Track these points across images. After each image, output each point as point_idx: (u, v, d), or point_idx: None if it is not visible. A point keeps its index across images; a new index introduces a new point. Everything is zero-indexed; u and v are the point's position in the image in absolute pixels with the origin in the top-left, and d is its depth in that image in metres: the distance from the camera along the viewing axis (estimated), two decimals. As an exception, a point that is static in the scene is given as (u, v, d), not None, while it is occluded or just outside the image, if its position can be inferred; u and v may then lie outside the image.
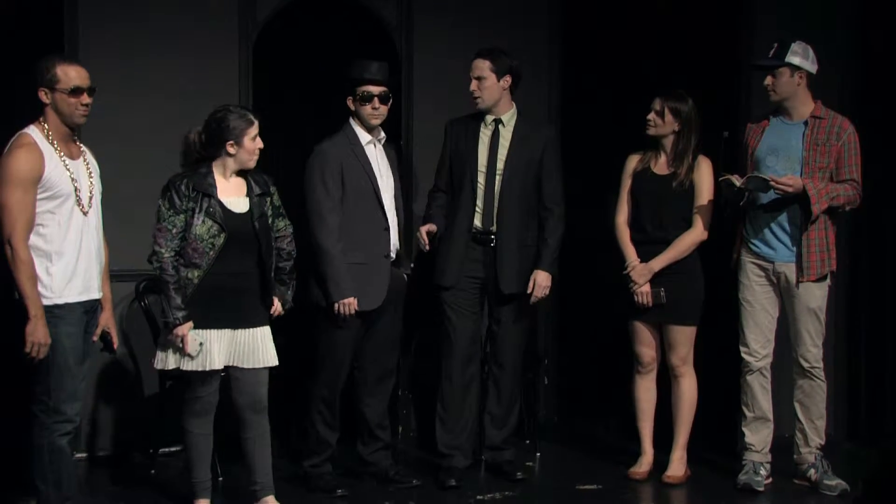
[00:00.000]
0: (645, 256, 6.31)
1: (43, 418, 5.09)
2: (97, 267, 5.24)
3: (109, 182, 5.43)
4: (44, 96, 5.07)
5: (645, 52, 7.52)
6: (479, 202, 6.28)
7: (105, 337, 5.38)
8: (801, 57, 6.08)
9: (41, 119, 5.10)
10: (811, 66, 6.11)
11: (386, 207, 6.12)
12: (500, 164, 6.27)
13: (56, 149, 5.07)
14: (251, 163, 5.53)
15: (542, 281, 6.26)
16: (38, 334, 4.98)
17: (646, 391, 6.48)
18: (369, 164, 6.11)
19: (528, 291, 6.26)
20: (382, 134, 6.21)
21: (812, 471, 6.24)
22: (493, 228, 6.27)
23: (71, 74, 5.07)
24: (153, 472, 6.47)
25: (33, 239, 5.02)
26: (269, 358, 5.58)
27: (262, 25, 7.06)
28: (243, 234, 5.49)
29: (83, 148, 5.28)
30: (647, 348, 6.42)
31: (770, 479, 6.30)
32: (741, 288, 6.28)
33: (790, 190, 6.00)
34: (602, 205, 6.78)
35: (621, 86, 7.48)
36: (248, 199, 5.54)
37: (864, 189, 6.19)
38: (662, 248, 6.28)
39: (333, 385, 6.14)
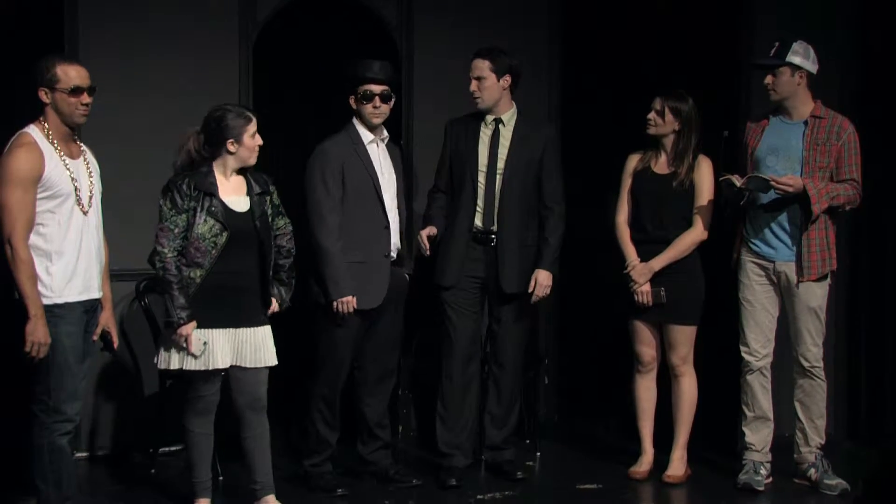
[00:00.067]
0: (645, 256, 6.31)
1: (43, 418, 5.09)
2: (97, 266, 5.24)
3: (109, 182, 5.43)
4: (44, 96, 5.07)
5: (645, 52, 7.52)
6: (480, 202, 6.28)
7: (105, 336, 5.39)
8: (801, 56, 6.08)
9: (41, 118, 5.10)
10: (812, 65, 6.11)
11: (387, 207, 6.12)
12: (500, 164, 6.28)
13: (56, 148, 5.07)
14: (252, 160, 5.54)
15: (543, 280, 6.26)
16: (38, 334, 4.98)
17: (646, 391, 6.48)
18: (371, 163, 6.11)
19: (530, 291, 6.26)
20: (385, 133, 6.21)
21: (812, 470, 6.24)
22: (494, 228, 6.27)
23: (71, 74, 5.07)
24: (153, 471, 6.47)
25: (33, 238, 5.02)
26: (270, 357, 5.59)
27: (262, 25, 7.05)
28: (245, 233, 5.49)
29: (83, 147, 5.28)
30: (647, 348, 6.42)
31: (770, 479, 6.30)
32: (741, 287, 6.28)
33: (790, 190, 6.00)
34: (602, 204, 6.79)
35: (621, 86, 7.49)
36: (248, 199, 5.55)
37: (864, 189, 6.20)
38: (663, 247, 6.28)
39: (334, 384, 6.14)
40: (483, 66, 6.23)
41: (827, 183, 6.09)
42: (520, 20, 7.45)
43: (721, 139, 6.32)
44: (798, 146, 6.13)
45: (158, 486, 6.26)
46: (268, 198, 5.63)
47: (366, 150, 6.12)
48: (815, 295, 6.16)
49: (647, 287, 6.28)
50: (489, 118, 6.31)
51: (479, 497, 6.13)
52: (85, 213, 5.14)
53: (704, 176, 6.30)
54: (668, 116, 6.29)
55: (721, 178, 6.11)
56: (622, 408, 6.83)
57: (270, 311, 5.63)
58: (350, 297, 5.98)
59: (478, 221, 6.29)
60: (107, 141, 6.06)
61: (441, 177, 6.45)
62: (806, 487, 6.26)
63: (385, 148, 6.21)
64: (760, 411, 6.29)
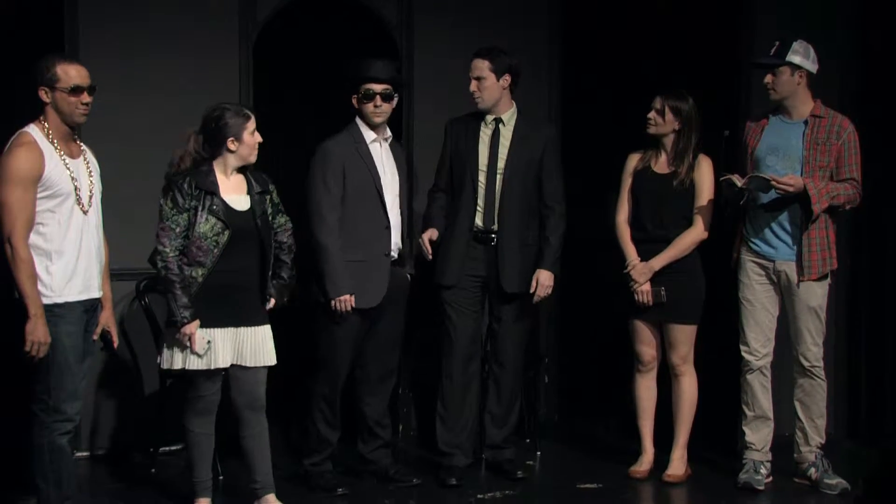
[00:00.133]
0: (645, 255, 6.31)
1: (43, 417, 5.09)
2: (97, 266, 5.24)
3: (109, 181, 5.43)
4: (44, 95, 5.07)
5: (645, 52, 7.52)
6: (480, 201, 6.28)
7: (105, 336, 5.39)
8: (801, 56, 6.08)
9: (41, 118, 5.10)
10: (812, 65, 6.11)
11: (388, 206, 6.12)
12: (500, 164, 6.28)
13: (56, 148, 5.08)
14: (252, 157, 5.55)
15: (544, 280, 6.27)
16: (37, 333, 4.98)
17: (646, 390, 6.48)
18: (373, 162, 6.11)
19: (531, 291, 6.27)
20: (389, 133, 6.22)
21: (812, 470, 6.24)
22: (495, 227, 6.27)
23: (71, 73, 5.07)
24: (153, 470, 6.47)
25: (33, 238, 5.02)
26: (269, 357, 5.59)
27: (262, 25, 7.05)
28: (246, 232, 5.50)
29: (83, 147, 5.28)
30: (647, 347, 6.42)
31: (770, 478, 6.30)
32: (741, 287, 6.28)
33: (791, 190, 6.01)
34: (602, 204, 6.79)
35: (621, 86, 7.49)
36: (248, 197, 5.56)
37: (864, 188, 6.20)
38: (663, 246, 6.28)
39: (334, 383, 6.14)
40: (483, 66, 6.23)
41: (827, 182, 6.09)
42: (520, 20, 7.46)
43: (721, 139, 6.33)
44: (798, 145, 6.13)
45: (159, 486, 6.26)
46: (268, 197, 5.64)
47: (368, 150, 6.12)
48: (815, 294, 6.16)
49: (647, 286, 6.28)
50: (489, 118, 6.31)
51: (479, 496, 6.13)
52: (85, 212, 5.14)
53: (705, 175, 6.31)
54: (669, 116, 6.30)
55: (722, 178, 6.12)
56: (622, 407, 6.83)
57: (269, 307, 5.63)
58: (348, 296, 5.98)
59: (478, 221, 6.29)
60: (107, 141, 6.06)
61: (441, 176, 6.46)
62: (806, 487, 6.26)
63: (388, 147, 6.22)
64: (760, 411, 6.29)
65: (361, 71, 6.10)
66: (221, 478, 6.25)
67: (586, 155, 7.33)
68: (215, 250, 5.44)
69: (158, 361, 5.62)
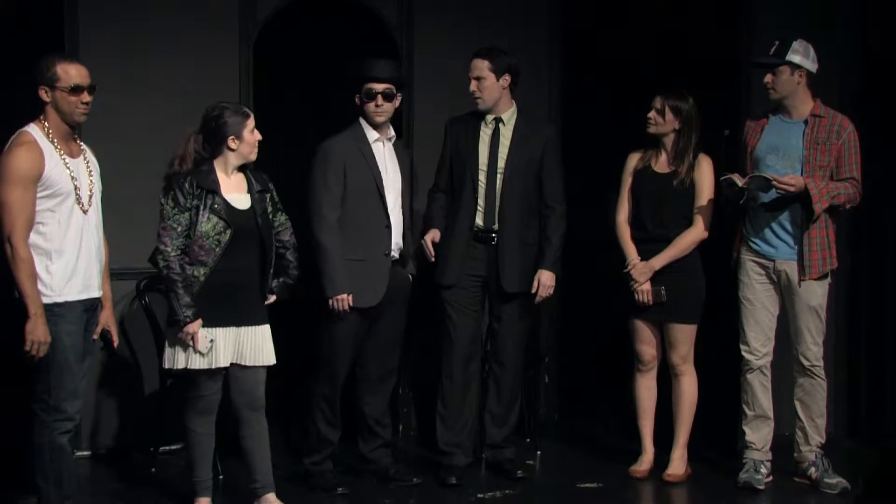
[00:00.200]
0: (645, 255, 6.31)
1: (43, 416, 5.09)
2: (97, 265, 5.24)
3: (109, 181, 5.43)
4: (44, 94, 5.07)
5: (645, 52, 7.52)
6: (481, 200, 6.29)
7: (105, 335, 5.39)
8: (801, 55, 6.08)
9: (41, 117, 5.10)
10: (811, 64, 6.11)
11: (389, 206, 6.12)
12: (500, 163, 6.28)
13: (56, 147, 5.08)
14: (252, 155, 5.56)
15: (546, 280, 6.27)
16: (37, 333, 4.98)
17: (646, 389, 6.48)
18: (375, 161, 6.12)
19: (533, 291, 6.27)
20: (392, 133, 6.23)
21: (812, 469, 6.24)
22: (495, 227, 6.28)
23: (71, 73, 5.08)
24: (154, 470, 6.47)
25: (33, 237, 5.02)
26: (268, 357, 5.60)
27: (262, 25, 7.06)
28: (247, 231, 5.50)
29: (83, 146, 5.28)
30: (647, 346, 6.42)
31: (770, 478, 6.30)
32: (741, 286, 6.28)
33: (792, 189, 6.01)
34: (602, 204, 6.79)
35: (621, 86, 7.48)
36: (249, 196, 5.57)
37: (864, 188, 6.20)
38: (663, 246, 6.28)
39: (335, 383, 6.14)
40: (482, 66, 6.24)
41: (828, 182, 6.09)
42: (520, 20, 7.46)
43: (721, 138, 6.33)
44: (798, 145, 6.13)
45: (159, 485, 6.26)
46: (268, 195, 5.65)
47: (370, 149, 6.13)
48: (815, 294, 6.16)
49: (647, 286, 6.28)
50: (489, 117, 6.31)
51: (479, 495, 6.14)
52: (85, 211, 5.14)
53: (705, 175, 6.31)
54: (669, 115, 6.30)
55: (722, 178, 6.11)
56: (622, 407, 6.83)
57: (269, 302, 5.63)
58: (345, 295, 5.98)
59: (479, 220, 6.29)
60: (107, 140, 6.06)
61: (441, 176, 6.46)
62: (806, 486, 6.25)
63: (392, 147, 6.22)
64: (760, 410, 6.29)
65: (363, 71, 6.11)
66: (221, 477, 6.25)
67: (586, 155, 7.33)
68: (217, 249, 5.44)
69: (162, 362, 5.61)
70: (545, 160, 6.32)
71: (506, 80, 6.25)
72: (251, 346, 5.54)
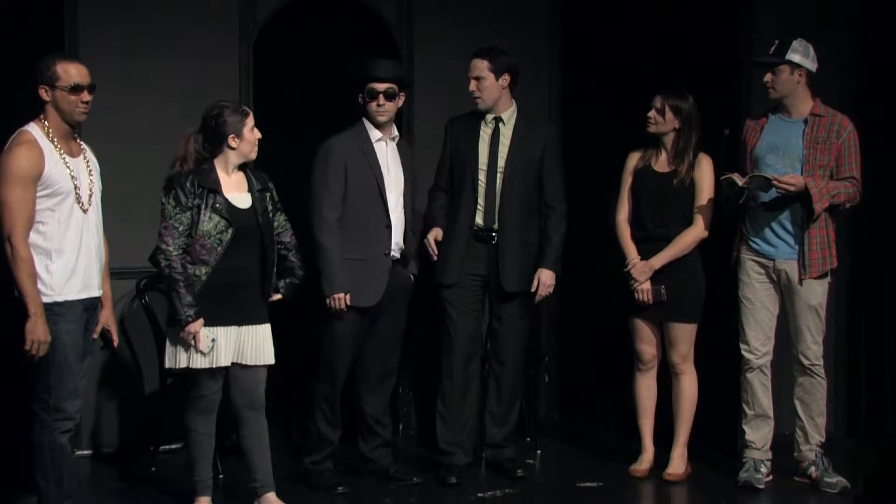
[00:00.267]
0: (646, 254, 6.31)
1: (43, 416, 5.09)
2: (97, 265, 5.24)
3: (110, 180, 5.43)
4: (44, 94, 5.07)
5: (645, 52, 7.52)
6: (481, 200, 6.29)
7: (105, 335, 5.39)
8: (801, 55, 6.08)
9: (41, 117, 5.10)
10: (811, 64, 6.12)
11: (390, 206, 6.12)
12: (500, 163, 6.28)
13: (56, 146, 5.08)
14: (253, 154, 5.56)
15: (546, 280, 6.27)
16: (37, 332, 4.98)
17: (646, 389, 6.48)
18: (377, 161, 6.12)
19: (533, 291, 6.27)
20: (395, 132, 6.23)
21: (812, 468, 6.24)
22: (495, 226, 6.28)
23: (71, 72, 5.08)
24: (154, 469, 6.48)
25: (33, 237, 5.02)
26: (268, 356, 5.60)
27: (262, 25, 7.06)
28: (248, 230, 5.51)
29: (83, 146, 5.28)
30: (647, 346, 6.42)
31: (770, 477, 6.30)
32: (741, 286, 6.28)
33: (792, 189, 6.01)
34: (602, 204, 6.79)
35: (621, 85, 7.48)
36: (250, 195, 5.57)
37: (864, 187, 6.20)
38: (663, 245, 6.29)
39: (335, 382, 6.14)
40: (482, 66, 6.24)
41: (828, 181, 6.09)
42: (520, 20, 7.47)
43: (721, 138, 6.33)
44: (798, 144, 6.13)
45: (159, 484, 6.26)
46: (268, 194, 5.65)
47: (372, 148, 6.13)
48: (815, 293, 6.16)
49: (647, 285, 6.28)
50: (489, 117, 6.31)
51: (479, 495, 6.14)
52: (85, 211, 5.14)
53: (705, 174, 6.31)
54: (669, 114, 6.30)
55: (722, 177, 6.12)
56: (622, 406, 6.83)
57: (274, 300, 5.63)
58: (342, 294, 5.99)
59: (479, 219, 6.30)
60: (107, 140, 6.05)
61: (441, 176, 6.46)
62: (806, 485, 6.25)
63: (395, 147, 6.22)
64: (760, 409, 6.29)
65: (365, 70, 6.12)
66: (222, 476, 6.25)
67: (586, 155, 7.32)
68: (219, 248, 5.44)
69: (164, 361, 5.60)
70: (545, 160, 6.32)
71: (505, 79, 6.25)
72: (252, 345, 5.55)
